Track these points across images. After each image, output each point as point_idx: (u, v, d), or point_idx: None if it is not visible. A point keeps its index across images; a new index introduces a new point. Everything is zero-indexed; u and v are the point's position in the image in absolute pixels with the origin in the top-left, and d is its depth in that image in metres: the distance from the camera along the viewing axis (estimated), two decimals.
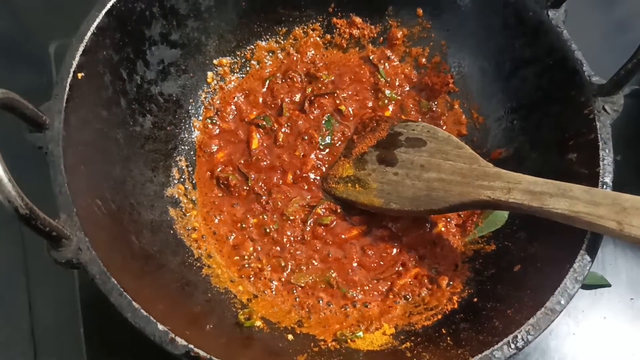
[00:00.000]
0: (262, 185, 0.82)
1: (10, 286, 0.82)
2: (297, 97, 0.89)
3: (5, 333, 0.80)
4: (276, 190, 0.82)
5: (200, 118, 0.86)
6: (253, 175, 0.83)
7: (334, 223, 0.80)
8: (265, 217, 0.80)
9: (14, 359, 0.79)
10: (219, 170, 0.83)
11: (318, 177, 0.83)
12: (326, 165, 0.84)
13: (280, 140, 0.85)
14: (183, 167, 0.82)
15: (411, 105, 0.89)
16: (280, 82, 0.90)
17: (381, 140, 0.82)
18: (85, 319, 0.79)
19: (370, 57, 0.92)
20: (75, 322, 0.79)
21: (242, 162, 0.84)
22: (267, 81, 0.90)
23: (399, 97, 0.90)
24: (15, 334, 0.80)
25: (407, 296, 0.75)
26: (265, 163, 0.84)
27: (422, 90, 0.90)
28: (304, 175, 0.83)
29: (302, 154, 0.84)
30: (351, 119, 0.88)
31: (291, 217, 0.80)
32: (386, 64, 0.92)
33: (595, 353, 0.80)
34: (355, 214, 0.80)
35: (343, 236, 0.79)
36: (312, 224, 0.79)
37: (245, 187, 0.82)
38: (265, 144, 0.85)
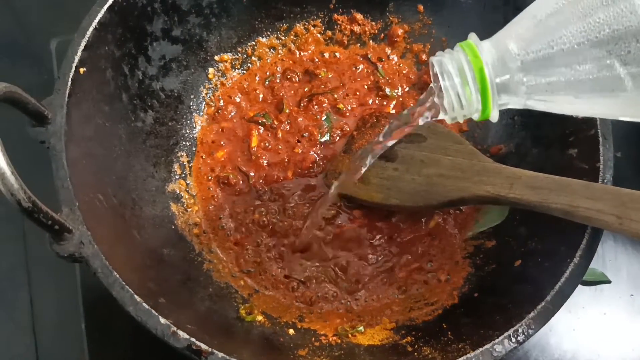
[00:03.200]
0: (263, 182, 0.82)
1: (12, 282, 0.83)
2: (297, 95, 0.89)
3: (7, 329, 0.80)
4: (277, 187, 0.82)
5: (202, 114, 0.87)
6: (253, 173, 0.83)
7: (336, 217, 0.80)
8: (266, 211, 0.80)
9: (15, 355, 0.79)
10: (218, 169, 0.83)
11: (318, 173, 0.83)
12: (325, 161, 0.84)
13: (280, 137, 0.86)
14: (184, 163, 0.83)
15: (411, 105, 0.89)
16: (279, 81, 0.90)
17: None
18: (86, 314, 0.79)
19: (369, 56, 0.92)
20: (77, 317, 0.79)
21: (242, 160, 0.84)
22: (267, 81, 0.90)
23: (399, 96, 0.90)
24: (16, 329, 0.80)
25: (407, 291, 0.75)
26: (264, 161, 0.84)
27: (422, 88, 0.90)
28: (305, 171, 0.83)
29: (301, 150, 0.84)
30: (349, 114, 0.88)
31: (292, 211, 0.80)
32: (385, 64, 0.92)
33: (595, 349, 0.80)
34: (355, 208, 0.80)
35: (343, 230, 0.79)
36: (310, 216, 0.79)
37: (245, 185, 0.82)
38: (265, 142, 0.85)
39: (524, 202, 0.64)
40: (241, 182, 0.82)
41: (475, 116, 0.51)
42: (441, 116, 0.54)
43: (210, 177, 0.83)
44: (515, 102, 0.50)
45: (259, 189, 0.82)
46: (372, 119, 0.85)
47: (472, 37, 0.51)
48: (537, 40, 0.47)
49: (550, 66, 0.47)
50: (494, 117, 0.50)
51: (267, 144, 0.85)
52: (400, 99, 0.90)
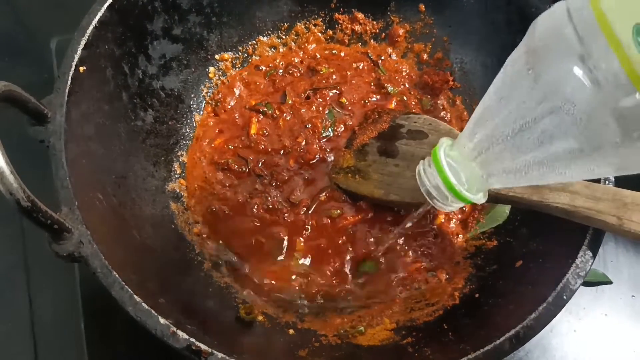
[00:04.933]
0: (263, 167, 0.82)
1: (10, 281, 0.82)
2: (298, 89, 0.89)
3: (5, 328, 0.80)
4: (278, 171, 0.81)
5: (202, 112, 0.86)
6: (251, 157, 0.82)
7: (341, 212, 0.79)
8: (268, 198, 0.79)
9: (14, 355, 0.79)
10: (217, 156, 0.83)
11: (321, 164, 0.83)
12: (328, 154, 0.84)
13: (282, 126, 0.85)
14: (184, 162, 0.82)
15: (413, 104, 0.89)
16: (281, 73, 0.90)
17: (382, 132, 0.82)
18: (85, 314, 0.78)
19: (369, 54, 0.92)
20: (76, 317, 0.78)
21: (241, 146, 0.83)
22: (268, 74, 0.90)
23: (401, 93, 0.90)
24: (15, 329, 0.80)
25: (408, 290, 0.75)
26: (263, 146, 0.83)
27: (422, 88, 0.90)
28: (309, 162, 0.83)
29: (304, 141, 0.84)
30: (351, 108, 0.87)
31: (295, 202, 0.79)
32: (386, 62, 0.92)
33: (596, 350, 0.80)
34: (360, 201, 0.80)
35: (347, 221, 0.79)
36: (315, 209, 0.79)
37: (244, 169, 0.82)
38: (265, 129, 0.85)
39: (524, 201, 0.63)
40: (239, 167, 0.82)
41: (462, 206, 0.58)
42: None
43: (209, 165, 0.82)
44: (493, 187, 0.57)
45: (259, 174, 0.81)
46: (374, 115, 0.85)
47: (440, 152, 0.58)
48: (497, 164, 0.52)
49: (516, 174, 0.51)
50: (479, 201, 0.57)
51: (265, 132, 0.84)
52: (403, 97, 0.89)
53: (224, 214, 0.79)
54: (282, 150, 0.83)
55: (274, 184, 0.81)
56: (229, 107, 0.87)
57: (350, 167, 0.81)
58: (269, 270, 0.76)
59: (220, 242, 0.77)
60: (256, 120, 0.85)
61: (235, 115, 0.87)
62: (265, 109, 0.86)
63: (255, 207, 0.79)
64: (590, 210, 0.58)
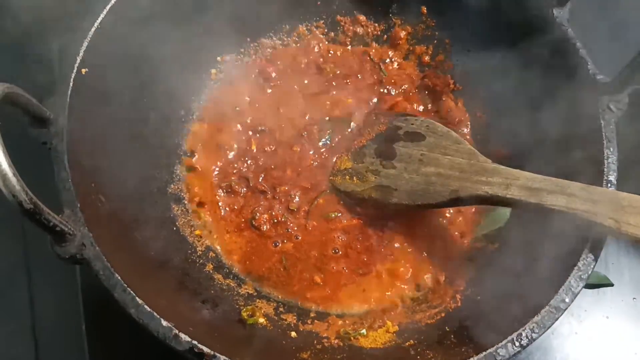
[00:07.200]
0: (264, 182, 0.82)
1: (12, 282, 0.82)
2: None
3: (7, 329, 0.80)
4: (278, 184, 0.81)
5: (202, 116, 0.86)
6: (251, 175, 0.82)
7: (340, 215, 0.79)
8: (272, 213, 0.80)
9: (15, 356, 0.79)
10: (219, 178, 0.83)
11: (320, 171, 0.83)
12: (327, 158, 0.84)
13: (277, 138, 0.85)
14: (186, 165, 0.82)
15: (415, 106, 0.89)
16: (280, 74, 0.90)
17: (380, 134, 0.82)
18: (87, 316, 0.78)
19: (371, 56, 0.92)
20: (77, 319, 0.78)
21: (242, 168, 0.83)
22: (265, 80, 0.90)
23: (402, 94, 0.90)
24: (17, 330, 0.80)
25: (409, 293, 0.75)
26: (262, 162, 0.83)
27: (424, 91, 0.90)
28: (306, 168, 0.83)
29: (300, 150, 0.84)
30: (351, 109, 0.87)
31: (294, 209, 0.80)
32: (389, 65, 0.92)
33: (597, 352, 0.80)
34: (359, 205, 0.80)
35: (344, 222, 0.79)
36: (311, 212, 0.79)
37: (244, 189, 0.82)
38: (264, 145, 0.85)
39: (522, 203, 0.63)
40: (241, 187, 0.82)
41: None
42: None
43: (214, 187, 0.82)
44: None
45: (262, 190, 0.81)
46: (372, 117, 0.85)
47: None
48: None
49: None
50: None
51: (262, 147, 0.84)
52: (404, 99, 0.89)
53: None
54: (280, 162, 0.83)
55: (277, 197, 0.81)
56: (228, 122, 0.86)
57: (348, 169, 0.81)
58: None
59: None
60: (255, 136, 0.85)
61: (234, 132, 0.85)
62: (261, 127, 0.85)
63: (264, 224, 0.79)
64: (587, 212, 0.58)
